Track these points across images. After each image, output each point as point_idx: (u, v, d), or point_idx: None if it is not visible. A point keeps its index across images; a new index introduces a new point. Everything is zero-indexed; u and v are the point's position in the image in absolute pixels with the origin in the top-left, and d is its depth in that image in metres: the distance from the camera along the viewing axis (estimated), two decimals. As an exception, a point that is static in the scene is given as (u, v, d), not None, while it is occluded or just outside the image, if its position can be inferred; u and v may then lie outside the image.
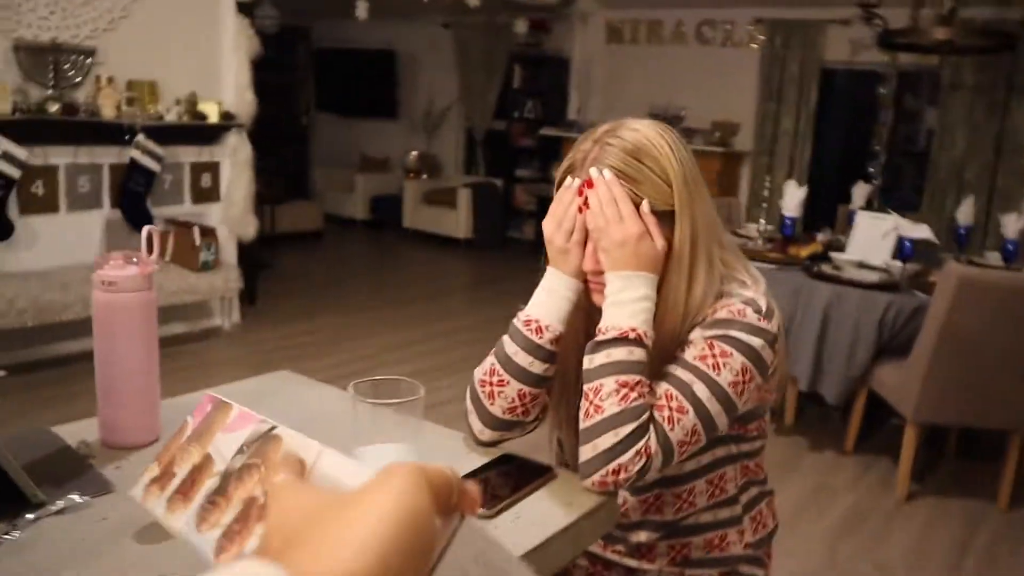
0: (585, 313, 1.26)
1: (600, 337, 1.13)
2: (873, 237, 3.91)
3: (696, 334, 1.16)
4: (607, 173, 1.13)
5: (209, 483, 0.56)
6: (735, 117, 6.83)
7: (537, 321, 1.20)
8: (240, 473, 0.54)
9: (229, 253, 4.84)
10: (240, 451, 0.55)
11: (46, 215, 4.07)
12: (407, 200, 8.47)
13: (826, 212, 5.72)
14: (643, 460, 1.06)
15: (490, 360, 1.24)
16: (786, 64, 6.54)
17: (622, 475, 1.06)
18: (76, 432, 1.15)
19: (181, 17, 4.51)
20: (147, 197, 4.37)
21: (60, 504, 0.94)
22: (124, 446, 1.12)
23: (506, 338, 1.23)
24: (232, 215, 4.76)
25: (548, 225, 1.21)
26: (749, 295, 1.17)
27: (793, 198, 4.09)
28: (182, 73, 4.54)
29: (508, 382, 1.21)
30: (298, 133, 9.87)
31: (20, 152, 3.77)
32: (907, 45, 4.55)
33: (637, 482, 1.08)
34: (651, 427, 1.08)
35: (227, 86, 4.76)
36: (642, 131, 1.16)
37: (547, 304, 1.21)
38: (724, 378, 1.12)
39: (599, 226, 1.13)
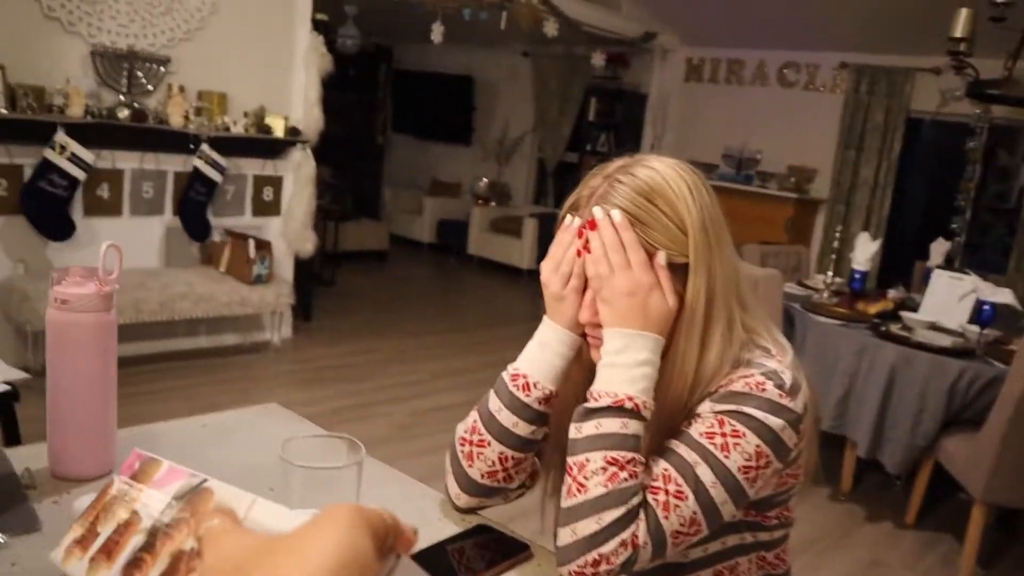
0: (588, 369, 1.11)
1: (591, 404, 0.97)
2: (950, 298, 3.66)
3: (705, 407, 1.00)
4: (616, 214, 0.99)
5: (135, 540, 0.52)
6: (812, 163, 6.59)
7: (525, 377, 1.08)
8: (168, 528, 0.51)
9: (285, 268, 4.85)
10: (168, 506, 0.53)
11: (109, 218, 4.14)
12: (473, 226, 8.44)
13: (902, 269, 5.44)
14: (628, 552, 0.91)
15: (472, 416, 1.12)
16: (870, 111, 6.28)
17: (603, 567, 0.91)
18: (28, 457, 1.08)
19: (256, 31, 4.57)
20: (208, 207, 4.42)
21: (-25, 540, 0.86)
22: (72, 478, 1.04)
23: (491, 393, 1.10)
24: (291, 230, 4.77)
25: (545, 268, 1.08)
26: (772, 366, 1.01)
27: (865, 251, 3.88)
28: (252, 86, 4.60)
29: (489, 443, 1.08)
30: (372, 152, 9.98)
31: (87, 155, 3.85)
32: (1000, 97, 4.28)
33: None
34: (641, 513, 0.93)
35: (296, 102, 4.80)
36: (659, 170, 1.02)
37: (538, 359, 1.08)
38: (734, 461, 0.95)
39: (601, 273, 0.99)
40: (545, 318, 1.09)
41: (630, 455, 0.94)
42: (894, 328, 3.46)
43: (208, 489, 0.52)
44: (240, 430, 1.26)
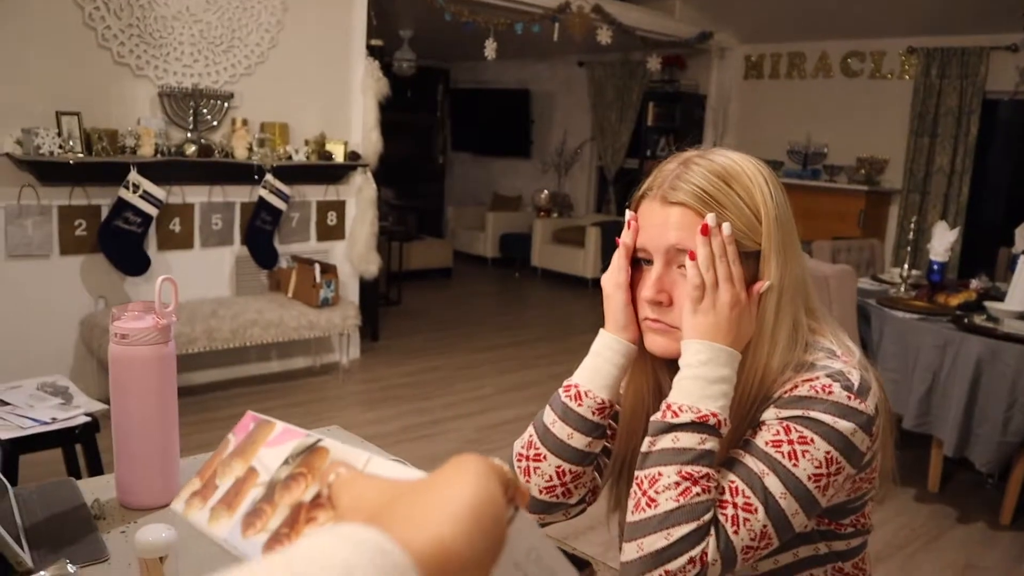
0: (651, 372, 1.09)
1: (671, 418, 0.93)
2: (1037, 285, 3.47)
3: (770, 414, 0.96)
4: (727, 227, 0.96)
5: (254, 493, 0.54)
6: (883, 153, 6.38)
7: (577, 387, 1.05)
8: (287, 482, 0.52)
9: (351, 290, 4.93)
10: (285, 463, 0.54)
11: (181, 251, 4.28)
12: (536, 238, 8.44)
13: (985, 258, 5.20)
14: (696, 569, 0.88)
15: (528, 431, 1.10)
16: (943, 95, 6.05)
17: None
18: (98, 488, 1.11)
19: (314, 61, 4.68)
20: (274, 234, 4.52)
21: (45, 573, 0.88)
22: (138, 507, 1.06)
23: (547, 406, 1.08)
24: (355, 252, 4.85)
25: (608, 280, 1.05)
26: (838, 367, 0.97)
27: (943, 241, 3.72)
28: (312, 114, 4.70)
29: (545, 456, 1.06)
30: (434, 171, 10.09)
31: (159, 192, 3.99)
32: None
33: None
34: (712, 530, 0.89)
35: (355, 127, 4.88)
36: (735, 158, 1.01)
37: (591, 368, 1.06)
38: (803, 470, 0.91)
39: (707, 283, 0.95)
40: (602, 329, 1.07)
41: (705, 470, 0.91)
42: (978, 319, 3.31)
43: (324, 447, 0.53)
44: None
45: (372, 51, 4.97)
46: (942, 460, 3.41)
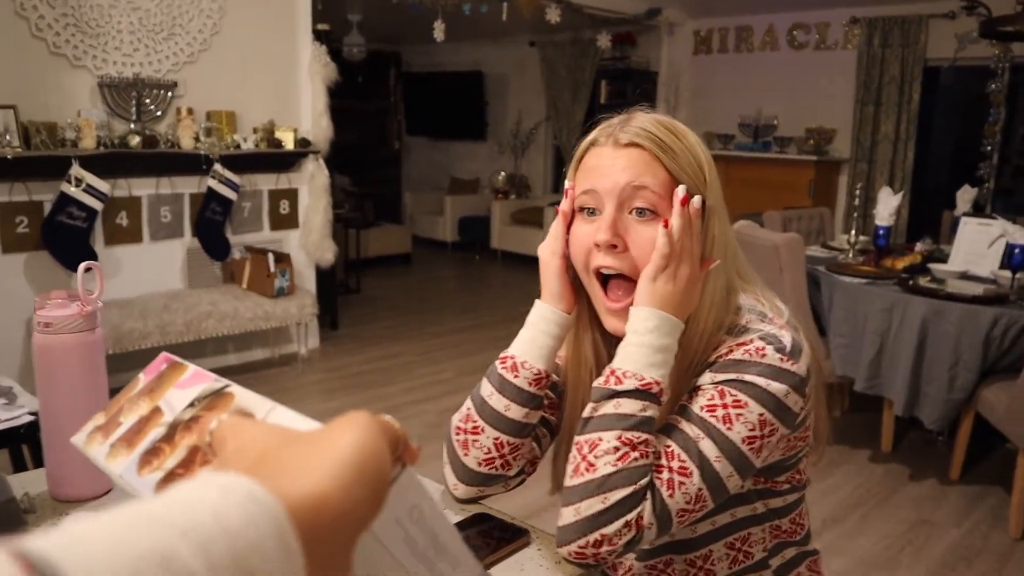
0: (591, 341, 1.09)
1: (614, 384, 0.94)
2: (979, 245, 3.57)
3: (706, 378, 0.97)
4: (697, 200, 0.97)
5: (155, 432, 0.54)
6: (830, 123, 6.47)
7: (513, 358, 1.06)
8: (188, 423, 0.53)
9: (307, 279, 4.88)
10: (190, 405, 0.54)
11: (130, 245, 4.20)
12: (495, 221, 8.44)
13: (932, 222, 5.32)
14: (632, 533, 0.89)
15: (466, 404, 1.10)
16: (885, 64, 6.14)
17: (604, 547, 0.89)
18: (29, 482, 1.09)
19: (259, 47, 4.60)
20: (226, 225, 4.46)
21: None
22: (71, 499, 1.04)
23: (484, 379, 1.09)
24: (310, 241, 4.81)
25: (545, 249, 1.06)
26: (769, 330, 0.98)
27: (887, 206, 3.79)
28: (260, 102, 4.63)
29: (483, 429, 1.06)
30: (389, 157, 10.02)
31: (103, 185, 3.90)
32: (1016, 33, 4.16)
33: (621, 556, 0.92)
34: (648, 494, 0.90)
35: (304, 113, 4.82)
36: (675, 120, 1.03)
37: (527, 339, 1.06)
38: (737, 433, 0.93)
39: (673, 252, 0.94)
40: (537, 300, 1.07)
41: (644, 436, 0.92)
42: (923, 281, 3.38)
43: (230, 393, 0.53)
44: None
45: (319, 36, 4.91)
46: (894, 420, 3.49)
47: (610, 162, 0.98)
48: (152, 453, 0.53)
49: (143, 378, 0.61)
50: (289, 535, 0.33)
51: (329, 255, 4.87)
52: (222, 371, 4.20)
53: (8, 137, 3.64)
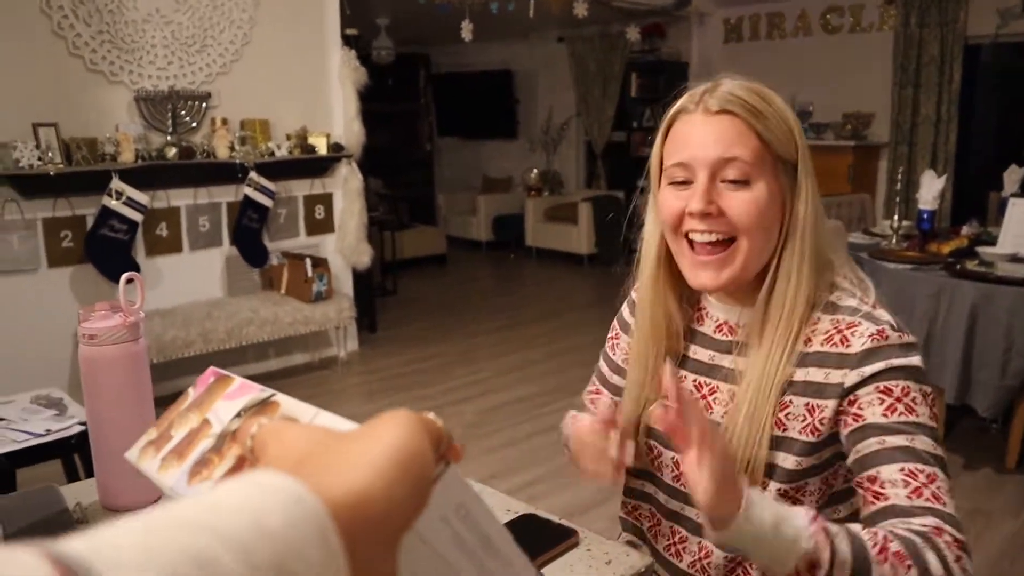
0: (665, 310, 1.10)
1: None
2: (1028, 227, 3.46)
3: (852, 378, 0.95)
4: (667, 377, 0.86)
5: (204, 443, 0.56)
6: (868, 107, 6.35)
7: None
8: (235, 434, 0.52)
9: (344, 283, 4.91)
10: (237, 415, 0.56)
11: (170, 255, 4.26)
12: (528, 218, 8.42)
13: (977, 204, 5.18)
14: (961, 553, 0.84)
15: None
16: (923, 44, 6.00)
17: None
18: (80, 492, 1.10)
19: (290, 55, 4.64)
20: (263, 232, 4.50)
21: None
22: (120, 508, 1.05)
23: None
24: (346, 244, 4.83)
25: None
26: (868, 310, 0.99)
27: (930, 189, 3.70)
28: (292, 108, 4.67)
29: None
30: (422, 159, 10.06)
31: (142, 197, 3.96)
32: (1060, 8, 4.05)
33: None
34: (941, 523, 0.85)
35: (336, 118, 4.85)
36: (759, 84, 1.03)
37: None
38: (923, 415, 0.93)
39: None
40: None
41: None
42: (971, 265, 3.30)
43: (275, 402, 0.55)
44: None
45: (348, 41, 4.94)
46: (945, 408, 3.40)
47: (701, 131, 0.98)
48: (202, 464, 0.54)
49: (192, 392, 0.62)
50: (331, 535, 0.33)
51: (365, 258, 4.89)
52: (264, 376, 4.27)
53: (51, 154, 3.71)
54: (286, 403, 0.54)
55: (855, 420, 0.95)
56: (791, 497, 1.01)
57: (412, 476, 0.38)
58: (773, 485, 1.01)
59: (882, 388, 0.94)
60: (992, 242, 3.61)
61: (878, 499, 0.90)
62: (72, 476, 2.24)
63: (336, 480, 0.36)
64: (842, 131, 6.37)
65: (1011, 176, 4.26)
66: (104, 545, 0.27)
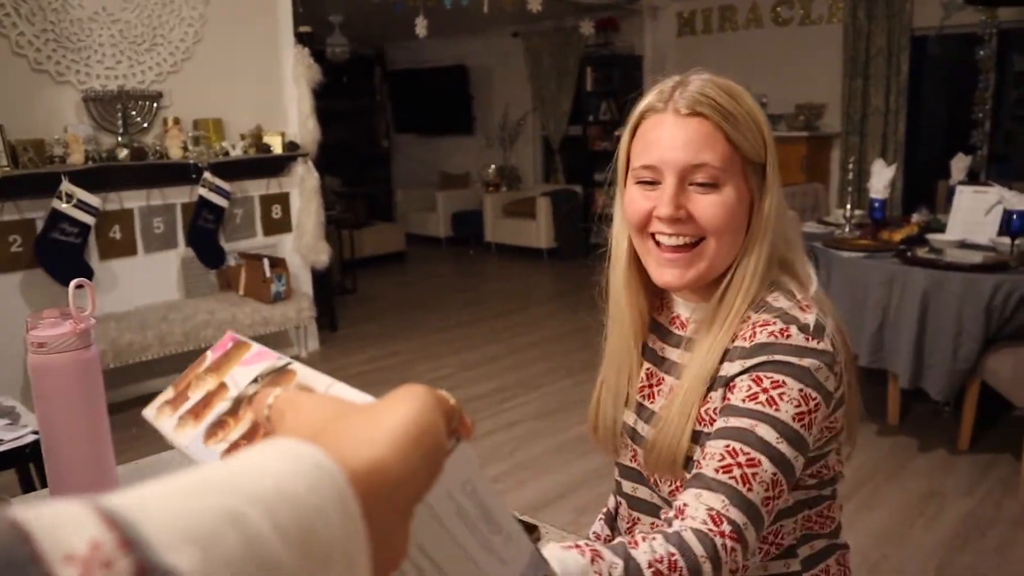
0: (636, 307, 1.11)
1: None
2: (976, 213, 3.56)
3: (734, 368, 0.96)
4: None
5: (220, 406, 0.57)
6: (820, 98, 6.46)
7: None
8: (251, 398, 0.55)
9: (303, 282, 4.87)
10: (254, 381, 0.57)
11: (125, 258, 4.18)
12: (487, 214, 8.42)
13: (927, 192, 5.31)
14: (737, 546, 0.82)
15: None
16: (871, 36, 6.12)
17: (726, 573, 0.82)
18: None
19: (242, 53, 4.57)
20: (219, 233, 4.44)
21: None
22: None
23: None
24: (304, 243, 4.79)
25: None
26: (790, 310, 0.98)
27: (881, 178, 3.78)
28: (246, 107, 4.61)
29: None
30: (379, 156, 9.99)
31: (94, 200, 3.88)
32: None
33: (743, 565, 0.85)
34: (724, 499, 0.84)
35: (291, 117, 4.80)
36: (731, 82, 1.01)
37: None
38: (785, 412, 0.90)
39: None
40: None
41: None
42: (921, 252, 3.38)
43: (292, 371, 0.56)
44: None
45: (301, 38, 4.87)
46: (899, 393, 3.49)
47: (671, 134, 0.97)
48: (218, 426, 0.55)
49: (210, 355, 0.63)
50: (350, 500, 0.34)
51: (324, 257, 4.85)
52: (224, 380, 4.19)
53: (-5, 156, 3.61)
54: (302, 372, 0.55)
55: (723, 402, 0.96)
56: None
57: (425, 448, 0.39)
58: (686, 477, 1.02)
59: (755, 377, 0.93)
60: (941, 229, 3.70)
61: (696, 467, 0.89)
62: (28, 486, 2.19)
63: (353, 449, 0.37)
64: (795, 122, 6.47)
65: (958, 164, 4.37)
66: (146, 502, 0.28)
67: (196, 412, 0.58)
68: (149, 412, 0.61)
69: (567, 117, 8.28)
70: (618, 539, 0.83)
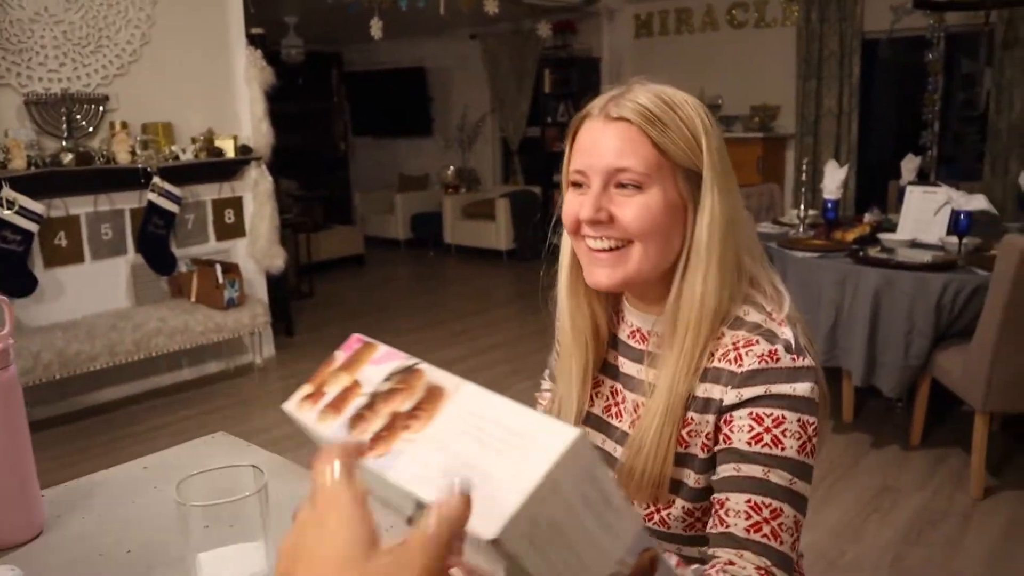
0: (587, 310, 1.09)
1: None
2: (925, 213, 3.62)
3: (731, 397, 0.95)
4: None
5: (358, 400, 0.60)
6: (774, 100, 6.54)
7: None
8: (387, 394, 0.58)
9: (257, 288, 4.79)
10: (386, 379, 0.60)
11: (71, 266, 4.07)
12: (447, 216, 8.38)
13: (879, 192, 5.40)
14: None
15: None
16: (824, 39, 6.21)
17: None
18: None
19: (192, 55, 4.48)
20: (170, 238, 4.34)
21: None
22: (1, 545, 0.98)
23: None
24: (258, 248, 4.71)
25: None
26: (770, 326, 0.97)
27: (834, 179, 3.83)
28: (197, 111, 4.52)
29: None
30: (337, 159, 9.89)
31: (37, 207, 3.77)
32: (950, 3, 4.24)
33: None
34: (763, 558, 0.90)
35: (243, 120, 4.71)
36: (678, 90, 1.01)
37: None
38: (791, 448, 0.92)
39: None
40: None
41: None
42: (873, 252, 3.42)
43: (420, 370, 0.58)
44: (184, 467, 1.20)
45: (254, 40, 4.79)
46: (853, 390, 3.53)
47: (597, 139, 0.99)
48: (357, 418, 0.58)
49: (340, 355, 0.66)
50: None
51: (279, 261, 4.77)
52: (177, 386, 4.11)
53: (-69, 162, 3.49)
54: (430, 372, 0.57)
55: (724, 441, 0.96)
56: (695, 516, 1.01)
57: None
58: (679, 503, 1.01)
59: (755, 415, 0.94)
60: (893, 229, 3.75)
61: (721, 523, 0.92)
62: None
63: None
64: (750, 123, 6.53)
65: (908, 165, 4.45)
66: None
67: (335, 406, 0.61)
68: (290, 406, 0.65)
69: (525, 119, 8.28)
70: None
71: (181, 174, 4.31)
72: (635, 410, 1.05)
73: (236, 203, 4.72)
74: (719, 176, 0.98)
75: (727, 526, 0.91)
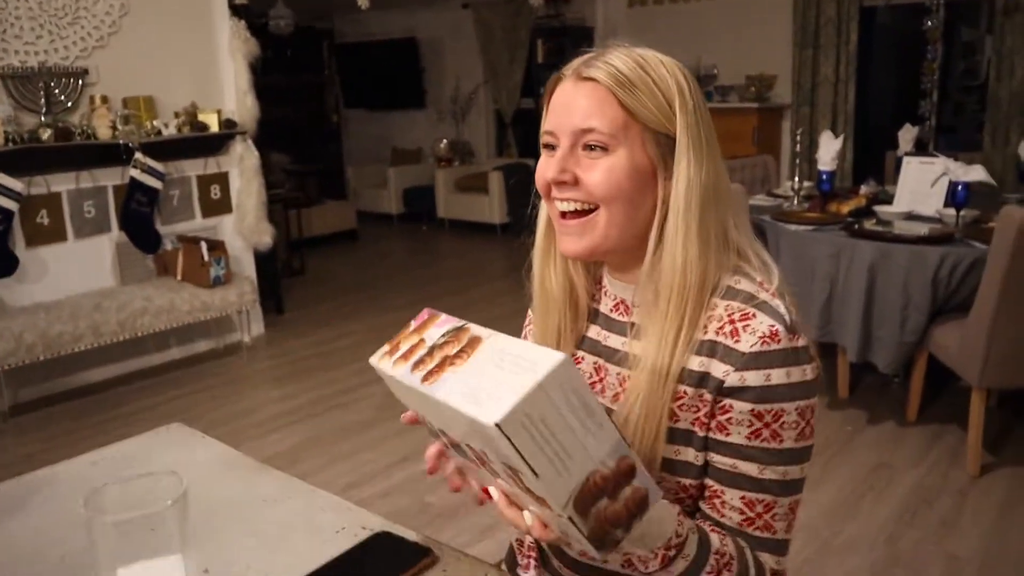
0: (564, 276, 1.07)
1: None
2: (922, 185, 3.54)
3: (732, 380, 0.91)
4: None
5: (420, 351, 0.79)
6: (770, 69, 6.41)
7: None
8: (441, 345, 0.78)
9: (245, 265, 4.72)
10: (442, 336, 0.79)
11: (54, 245, 3.99)
12: (439, 189, 8.29)
13: (877, 163, 5.31)
14: None
15: None
16: (821, 6, 6.08)
17: None
18: None
19: (173, 26, 4.38)
20: (154, 215, 4.27)
21: None
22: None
23: None
24: (245, 225, 4.63)
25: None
26: (756, 294, 0.93)
27: (829, 150, 3.74)
28: (180, 84, 4.42)
29: None
30: (330, 132, 9.77)
31: (16, 184, 3.69)
32: (948, -32, 4.13)
33: None
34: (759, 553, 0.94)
35: (228, 93, 4.62)
36: (656, 52, 0.97)
37: None
38: (788, 439, 0.91)
39: None
40: None
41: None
42: (868, 224, 3.35)
43: (467, 327, 0.78)
44: (134, 462, 1.15)
45: (237, 11, 4.67)
46: (848, 366, 3.48)
47: (567, 100, 0.96)
48: (419, 363, 0.77)
49: (413, 323, 0.86)
50: None
51: (266, 238, 4.70)
52: (165, 366, 4.07)
53: (-96, 139, 3.40)
54: (473, 328, 0.78)
55: (720, 430, 0.93)
56: (691, 495, 0.97)
57: None
58: (673, 480, 0.96)
59: (755, 412, 0.91)
60: (889, 201, 3.68)
61: (714, 511, 0.94)
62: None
63: None
64: (746, 93, 6.42)
65: (905, 135, 4.36)
66: None
67: (405, 356, 0.80)
68: (374, 360, 0.85)
69: (519, 90, 8.17)
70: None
71: (164, 149, 4.22)
72: (620, 384, 1.01)
73: (222, 179, 4.63)
74: (695, 141, 0.94)
75: (721, 515, 0.94)
